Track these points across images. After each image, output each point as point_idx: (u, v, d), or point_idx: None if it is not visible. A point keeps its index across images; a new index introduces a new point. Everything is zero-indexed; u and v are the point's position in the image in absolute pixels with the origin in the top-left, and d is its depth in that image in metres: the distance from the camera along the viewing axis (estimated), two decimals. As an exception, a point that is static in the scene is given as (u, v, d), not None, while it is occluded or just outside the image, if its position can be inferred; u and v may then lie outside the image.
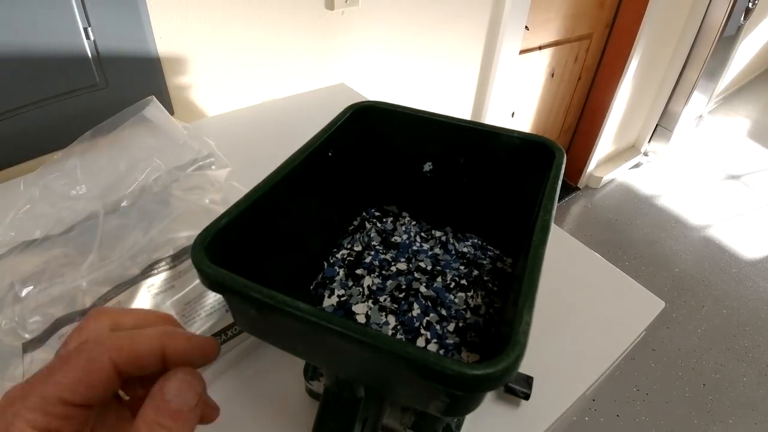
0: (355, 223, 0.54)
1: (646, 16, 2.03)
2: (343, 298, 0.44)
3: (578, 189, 2.57)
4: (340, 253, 0.49)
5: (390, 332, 0.41)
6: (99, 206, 0.54)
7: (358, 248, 0.50)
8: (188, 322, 0.46)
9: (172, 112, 0.90)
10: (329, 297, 0.45)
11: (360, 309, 0.43)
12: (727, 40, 2.59)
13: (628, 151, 2.82)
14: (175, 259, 0.50)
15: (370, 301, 0.43)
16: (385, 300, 0.44)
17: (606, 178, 2.61)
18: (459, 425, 0.45)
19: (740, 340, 1.99)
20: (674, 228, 2.47)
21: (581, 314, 0.61)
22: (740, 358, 1.92)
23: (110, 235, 0.52)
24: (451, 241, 0.52)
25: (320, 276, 0.47)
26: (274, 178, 0.39)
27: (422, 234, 0.53)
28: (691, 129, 3.11)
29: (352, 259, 0.48)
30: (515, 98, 1.96)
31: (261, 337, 0.35)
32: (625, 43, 2.14)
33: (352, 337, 0.26)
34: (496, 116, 1.67)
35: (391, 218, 0.55)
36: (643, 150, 2.80)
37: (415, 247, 0.50)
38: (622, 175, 2.75)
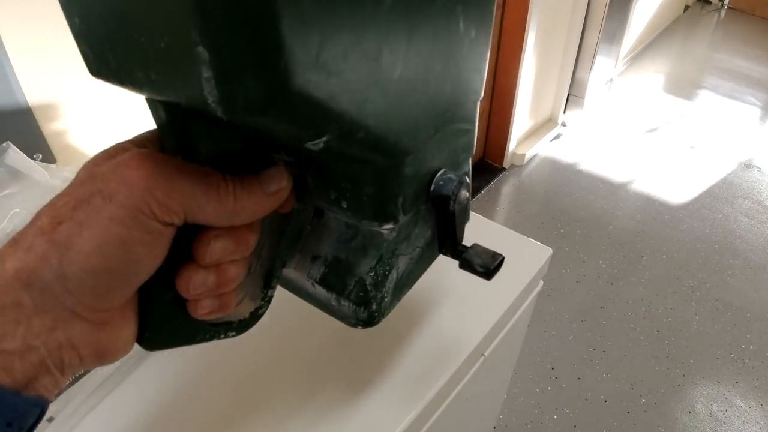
0: None
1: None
2: None
3: (504, 169, 2.60)
4: None
5: None
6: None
7: None
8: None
9: (54, 159, 0.88)
10: None
11: None
12: (621, 2, 2.68)
13: (546, 125, 2.87)
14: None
15: None
16: None
17: (529, 154, 2.65)
18: (375, 283, 0.36)
19: (685, 281, 2.03)
20: (602, 188, 2.52)
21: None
22: (688, 298, 1.96)
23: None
24: None
25: None
26: None
27: None
28: (604, 93, 3.21)
29: None
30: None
31: None
32: (518, 20, 2.18)
33: None
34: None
35: None
36: (560, 121, 2.86)
37: None
38: (544, 148, 2.80)
